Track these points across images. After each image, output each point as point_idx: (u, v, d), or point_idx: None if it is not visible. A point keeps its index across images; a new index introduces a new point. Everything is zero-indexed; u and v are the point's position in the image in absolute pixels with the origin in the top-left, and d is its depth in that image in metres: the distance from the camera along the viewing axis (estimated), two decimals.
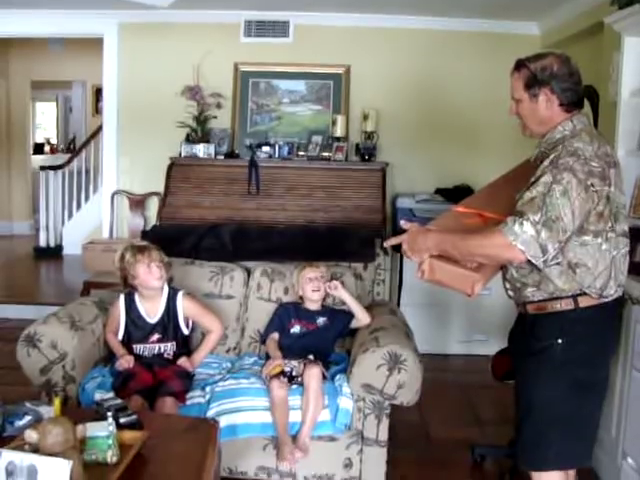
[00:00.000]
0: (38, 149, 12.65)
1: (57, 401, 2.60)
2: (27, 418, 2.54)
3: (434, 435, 4.16)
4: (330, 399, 3.24)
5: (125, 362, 3.41)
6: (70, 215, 9.07)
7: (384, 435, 3.27)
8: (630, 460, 2.93)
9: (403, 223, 2.63)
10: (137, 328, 3.58)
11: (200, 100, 5.97)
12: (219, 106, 6.09)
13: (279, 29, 6.16)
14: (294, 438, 3.23)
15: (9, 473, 1.92)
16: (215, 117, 6.10)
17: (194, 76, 6.00)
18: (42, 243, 8.94)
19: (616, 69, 4.11)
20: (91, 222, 8.29)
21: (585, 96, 5.00)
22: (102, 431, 2.29)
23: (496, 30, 6.06)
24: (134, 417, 2.54)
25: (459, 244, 2.39)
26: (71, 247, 8.61)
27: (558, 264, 2.37)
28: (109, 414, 2.34)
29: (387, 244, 2.71)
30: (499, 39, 6.00)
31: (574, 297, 2.40)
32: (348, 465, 3.29)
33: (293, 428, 3.24)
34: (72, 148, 12.01)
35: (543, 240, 2.21)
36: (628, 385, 3.09)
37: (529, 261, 2.25)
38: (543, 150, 2.50)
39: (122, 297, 3.63)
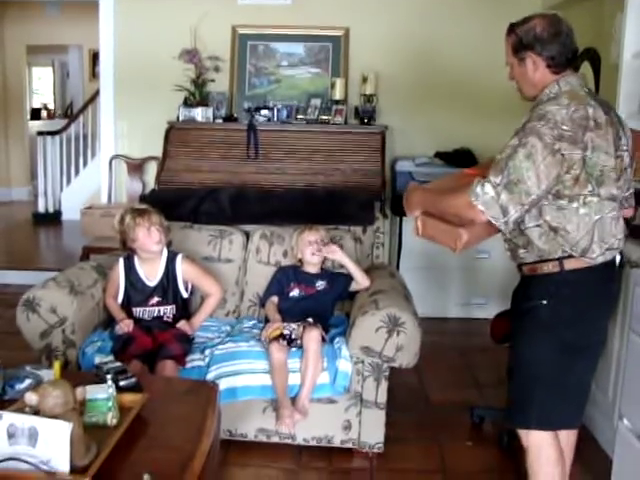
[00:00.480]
0: (35, 114, 12.59)
1: (57, 364, 2.61)
2: (27, 381, 2.56)
3: (433, 397, 4.18)
4: (329, 362, 3.26)
5: (125, 325, 3.43)
6: (69, 181, 9.06)
7: (383, 397, 3.30)
8: (626, 421, 2.94)
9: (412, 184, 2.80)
10: (136, 291, 3.60)
11: (198, 63, 5.89)
12: (217, 69, 6.01)
13: None
14: (293, 400, 3.26)
15: (10, 435, 1.93)
16: (213, 80, 6.02)
17: (191, 39, 5.91)
18: (41, 209, 8.95)
19: (618, 30, 4.07)
20: (90, 187, 8.28)
21: (587, 58, 5.02)
22: (102, 393, 2.31)
23: None
24: (133, 380, 2.56)
25: (437, 202, 2.55)
26: (70, 212, 8.59)
27: (538, 226, 2.40)
28: (109, 377, 2.35)
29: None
30: (499, 0, 5.90)
31: (560, 260, 2.41)
32: (347, 427, 3.32)
33: (292, 390, 3.27)
34: (69, 113, 11.95)
35: (503, 202, 2.26)
36: (625, 347, 3.10)
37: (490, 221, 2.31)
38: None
39: (121, 260, 3.64)
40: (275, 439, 3.35)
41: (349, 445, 3.37)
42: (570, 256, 2.39)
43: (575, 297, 2.45)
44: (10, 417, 1.95)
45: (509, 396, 2.65)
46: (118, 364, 2.68)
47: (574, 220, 2.35)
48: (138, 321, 3.53)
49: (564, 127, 2.27)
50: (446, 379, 4.45)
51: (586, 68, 5.06)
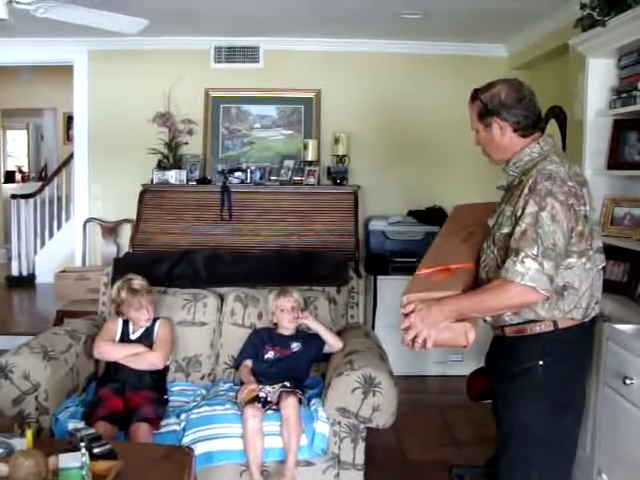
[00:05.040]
0: (9, 177, 12.56)
1: (29, 433, 2.57)
2: None
3: (411, 457, 4.16)
4: (307, 424, 3.25)
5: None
6: (43, 243, 9.01)
7: (361, 458, 3.27)
8: (605, 476, 2.95)
9: (404, 302, 2.49)
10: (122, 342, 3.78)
11: (171, 126, 5.97)
12: (190, 132, 6.09)
13: (249, 54, 6.18)
14: (279, 466, 3.22)
15: None
16: (187, 143, 6.10)
17: (165, 102, 6.00)
18: (14, 272, 8.87)
19: (581, 89, 4.18)
20: (64, 250, 8.22)
21: (552, 116, 5.14)
22: (75, 462, 2.28)
23: (465, 53, 6.12)
24: (108, 447, 2.52)
25: (477, 306, 2.37)
26: (44, 276, 8.54)
27: None
28: (82, 444, 2.32)
29: (401, 326, 2.49)
30: (468, 61, 6.05)
31: (551, 319, 2.41)
32: None
33: (268, 454, 3.24)
34: (44, 176, 11.94)
35: (548, 271, 2.22)
36: (601, 402, 3.12)
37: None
38: (513, 174, 2.53)
39: (120, 320, 3.79)
40: None
41: None
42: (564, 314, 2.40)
43: (569, 355, 2.45)
44: None
45: (504, 461, 2.57)
46: (92, 431, 2.64)
47: (583, 276, 2.37)
48: (115, 373, 3.61)
49: (569, 184, 2.31)
50: (424, 437, 4.42)
51: (552, 125, 5.19)
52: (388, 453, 4.14)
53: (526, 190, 2.33)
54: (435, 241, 2.85)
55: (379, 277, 5.65)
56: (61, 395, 3.49)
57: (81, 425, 3.06)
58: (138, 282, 3.81)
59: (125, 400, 3.42)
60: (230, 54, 6.19)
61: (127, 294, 3.74)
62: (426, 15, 5.19)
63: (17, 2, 3.31)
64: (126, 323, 3.80)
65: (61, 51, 6.33)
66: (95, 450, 2.46)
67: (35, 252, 9.00)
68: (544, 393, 2.43)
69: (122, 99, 6.26)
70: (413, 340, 2.39)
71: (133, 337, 3.77)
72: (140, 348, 3.69)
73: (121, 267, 4.24)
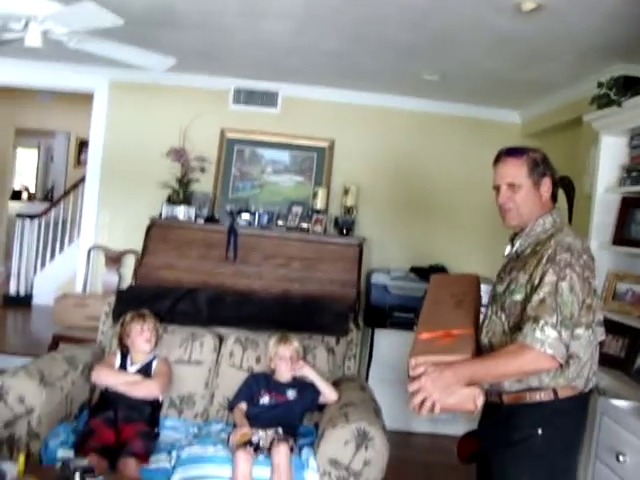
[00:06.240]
0: (15, 195, 12.63)
1: (21, 458, 2.60)
2: None
3: None
4: (297, 472, 3.24)
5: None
6: (43, 265, 9.04)
7: None
8: None
9: (413, 365, 2.46)
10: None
11: (184, 163, 6.03)
12: (203, 170, 6.15)
13: (268, 99, 6.27)
14: None
15: None
16: (198, 180, 6.15)
17: (180, 138, 6.08)
18: (12, 291, 8.90)
19: (592, 164, 4.26)
20: (63, 274, 8.28)
21: (561, 186, 5.21)
22: None
23: (479, 115, 6.21)
24: (100, 479, 2.53)
25: (491, 370, 2.38)
26: (41, 297, 8.59)
27: None
28: (77, 476, 2.33)
29: (409, 389, 2.43)
30: (481, 124, 6.15)
31: (554, 388, 2.42)
32: None
33: None
34: (50, 197, 12.02)
35: (565, 339, 2.28)
36: (592, 475, 3.12)
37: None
38: (525, 244, 2.57)
39: (119, 353, 3.87)
40: None
41: None
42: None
43: (568, 425, 2.47)
44: None
45: None
46: (85, 463, 2.65)
47: (587, 348, 2.41)
48: (113, 402, 3.62)
49: (584, 257, 2.38)
50: None
51: (560, 196, 5.25)
52: None
53: (544, 260, 2.38)
54: (425, 308, 2.84)
55: (377, 330, 5.68)
56: (53, 421, 3.49)
57: (71, 455, 3.09)
58: (146, 311, 3.95)
59: (117, 432, 3.43)
60: (249, 97, 6.28)
61: (132, 315, 3.90)
62: (444, 77, 5.30)
63: (52, 33, 3.38)
64: (125, 356, 3.84)
65: (83, 79, 6.42)
66: None
67: (35, 272, 9.03)
68: (543, 461, 2.44)
69: (138, 131, 6.35)
70: (420, 404, 2.37)
71: (131, 370, 3.80)
72: (138, 377, 3.74)
73: (124, 299, 4.28)
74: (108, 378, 3.73)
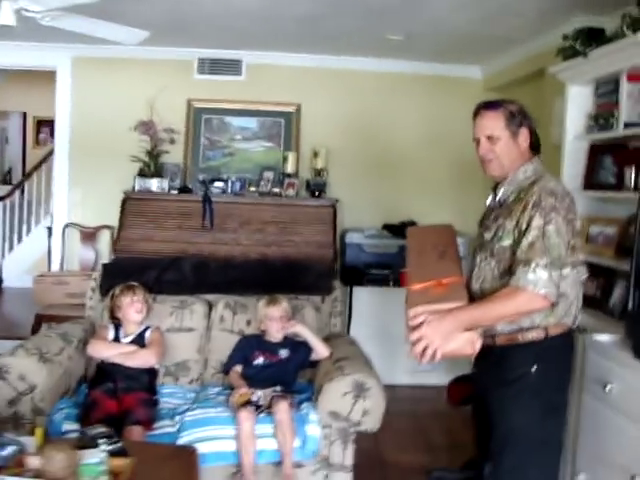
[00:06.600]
0: None
1: (39, 431, 2.65)
2: (10, 448, 2.56)
3: (390, 460, 4.30)
4: (298, 427, 3.35)
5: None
6: (11, 248, 8.97)
7: (349, 460, 3.40)
8: (582, 476, 3.13)
9: (412, 315, 2.55)
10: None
11: (153, 135, 6.03)
12: (172, 141, 6.15)
13: (232, 67, 6.30)
14: (276, 467, 3.32)
15: None
16: (168, 152, 6.17)
17: (147, 111, 6.07)
18: None
19: (558, 114, 4.38)
20: (32, 255, 8.27)
21: None
22: (92, 458, 2.37)
23: (441, 73, 6.27)
24: (120, 444, 2.62)
25: (488, 314, 2.51)
26: (11, 280, 8.56)
27: None
28: (100, 441, 2.41)
29: (410, 338, 2.53)
30: (443, 81, 6.22)
31: (545, 326, 2.56)
32: None
33: (261, 456, 3.33)
34: (9, 180, 11.85)
35: (555, 280, 2.41)
36: (582, 407, 3.26)
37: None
38: (508, 192, 2.68)
39: (112, 326, 3.93)
40: None
41: None
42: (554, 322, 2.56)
43: (559, 360, 2.63)
44: None
45: (501, 466, 2.64)
46: (102, 429, 2.73)
47: (574, 286, 2.57)
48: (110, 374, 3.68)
49: (567, 200, 2.52)
50: (401, 443, 4.57)
51: None
52: (368, 457, 4.26)
53: (530, 205, 2.50)
54: (410, 260, 2.91)
55: (354, 288, 5.80)
56: (55, 396, 3.55)
57: (76, 427, 3.17)
58: (135, 283, 4.00)
59: (118, 402, 3.50)
60: (213, 66, 6.30)
61: (121, 288, 3.95)
62: (409, 37, 5.37)
63: (26, 10, 3.38)
64: (117, 328, 3.90)
65: (43, 56, 6.35)
66: (108, 447, 2.56)
67: (2, 256, 8.97)
68: (539, 397, 2.57)
69: (104, 106, 6.33)
70: (422, 352, 2.48)
71: (125, 341, 3.87)
72: (133, 348, 3.81)
73: (110, 272, 4.32)
74: (104, 350, 3.80)
